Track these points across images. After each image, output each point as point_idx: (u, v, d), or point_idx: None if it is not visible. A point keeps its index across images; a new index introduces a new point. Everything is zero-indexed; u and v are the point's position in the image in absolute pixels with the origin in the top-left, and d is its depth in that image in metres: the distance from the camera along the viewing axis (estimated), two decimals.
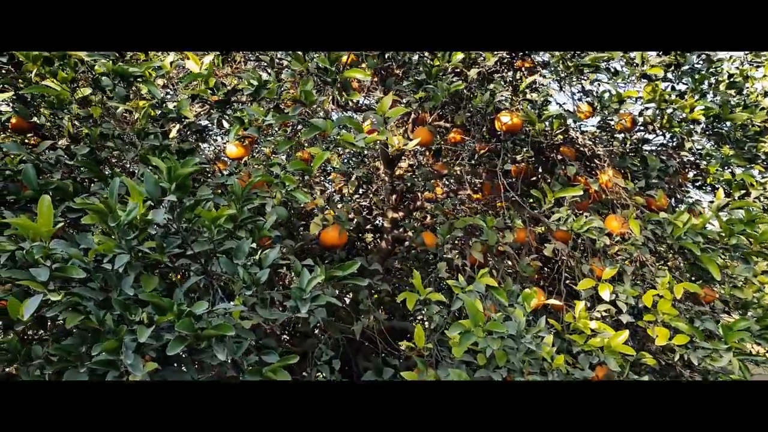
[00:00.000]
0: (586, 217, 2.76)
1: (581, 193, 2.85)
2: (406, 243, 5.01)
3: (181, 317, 1.56)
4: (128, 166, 2.82)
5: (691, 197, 3.68)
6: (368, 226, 5.03)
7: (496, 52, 2.74)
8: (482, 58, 2.90)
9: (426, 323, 5.35)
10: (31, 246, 1.61)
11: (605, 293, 2.79)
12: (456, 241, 3.38)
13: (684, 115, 2.85)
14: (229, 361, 1.72)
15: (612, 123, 3.43)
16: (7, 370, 1.86)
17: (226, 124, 3.27)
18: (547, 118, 2.94)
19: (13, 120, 2.85)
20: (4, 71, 2.82)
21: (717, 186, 3.47)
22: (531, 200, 3.60)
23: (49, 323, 2.47)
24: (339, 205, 3.79)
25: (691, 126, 2.98)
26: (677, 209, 3.45)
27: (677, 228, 2.74)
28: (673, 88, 3.21)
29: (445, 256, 3.27)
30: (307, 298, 1.79)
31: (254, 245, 1.96)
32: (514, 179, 3.98)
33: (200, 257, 2.09)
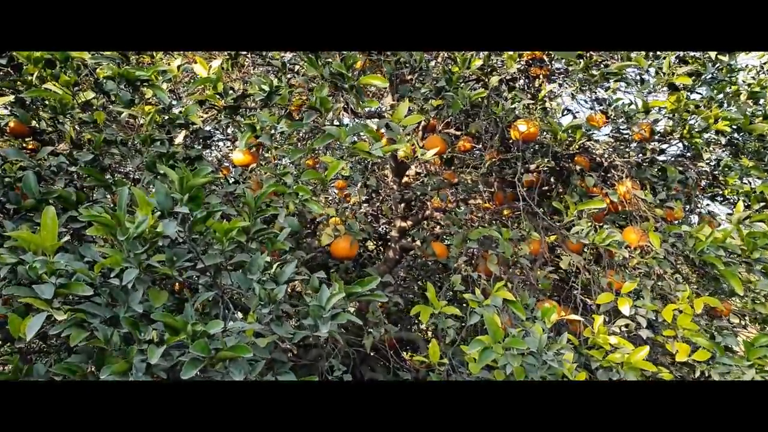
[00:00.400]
0: (607, 229, 2.67)
1: (604, 206, 2.77)
2: (413, 252, 4.93)
3: (195, 338, 1.46)
4: (133, 173, 2.72)
5: (703, 209, 3.60)
6: (374, 235, 4.94)
7: (518, 60, 2.66)
8: (501, 65, 2.82)
9: (429, 333, 5.25)
10: (34, 260, 1.51)
11: (625, 308, 2.71)
12: (469, 252, 3.29)
13: (706, 125, 2.77)
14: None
15: (627, 133, 3.36)
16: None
17: (232, 130, 3.18)
18: (569, 128, 2.85)
19: (12, 124, 2.75)
20: (2, 73, 2.73)
21: (734, 198, 3.40)
22: (542, 210, 3.52)
23: (51, 339, 2.37)
24: (347, 213, 3.69)
25: (715, 136, 2.90)
26: (691, 221, 3.37)
27: (700, 242, 2.66)
28: (688, 98, 3.14)
29: (457, 267, 3.18)
30: (327, 316, 1.70)
31: (268, 259, 1.86)
32: (526, 190, 3.90)
33: (210, 270, 1.99)
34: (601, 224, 2.90)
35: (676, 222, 3.19)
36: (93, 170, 2.32)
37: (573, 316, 2.57)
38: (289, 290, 3.85)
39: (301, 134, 3.70)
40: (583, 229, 2.71)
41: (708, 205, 3.58)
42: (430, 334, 5.14)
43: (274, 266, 1.84)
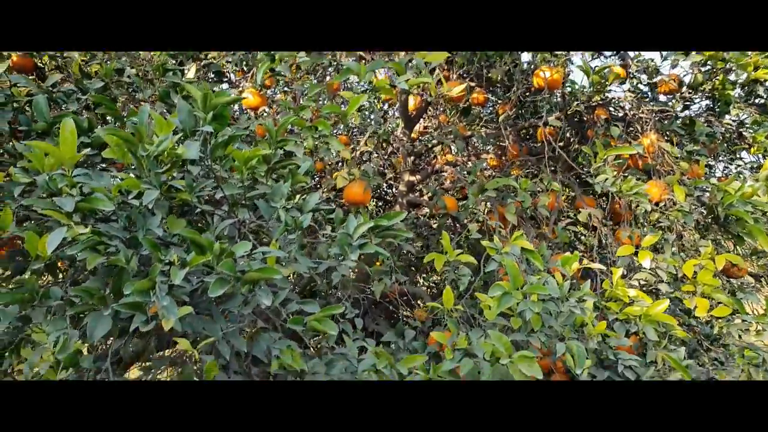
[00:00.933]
0: (633, 179, 2.60)
1: (634, 151, 2.69)
2: (421, 207, 4.86)
3: (221, 257, 1.40)
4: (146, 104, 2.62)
5: (730, 167, 3.52)
6: (382, 188, 4.87)
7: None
8: None
9: (434, 291, 5.22)
10: (52, 174, 1.43)
11: (646, 261, 2.66)
12: (485, 204, 3.22)
13: (745, 74, 2.67)
14: (270, 307, 1.56)
15: (652, 84, 3.26)
16: (24, 312, 1.70)
17: (245, 64, 3.06)
18: (601, 71, 2.75)
19: (14, 57, 2.64)
20: None
21: (757, 157, 3.32)
22: (559, 164, 3.44)
23: (60, 273, 2.31)
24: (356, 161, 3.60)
25: (742, 92, 2.80)
26: (713, 177, 3.30)
27: (728, 195, 2.59)
28: None
29: (471, 218, 3.12)
30: (355, 245, 1.63)
31: (291, 189, 1.79)
32: (540, 143, 3.81)
33: (227, 203, 1.92)
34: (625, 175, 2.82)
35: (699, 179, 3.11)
36: (104, 98, 2.22)
37: (594, 265, 2.51)
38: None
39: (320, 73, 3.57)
40: (608, 178, 2.64)
41: (733, 161, 3.50)
42: (436, 290, 5.12)
43: (298, 196, 1.77)
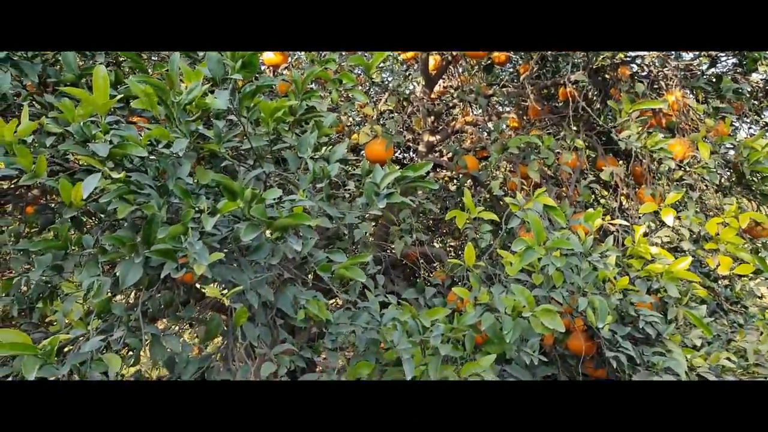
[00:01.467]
0: (658, 134, 2.57)
1: (661, 105, 2.65)
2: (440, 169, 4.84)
3: (252, 203, 1.42)
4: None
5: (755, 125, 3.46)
6: (401, 149, 4.85)
7: None
8: None
9: (452, 253, 5.25)
10: (86, 121, 1.45)
11: (669, 218, 2.64)
12: (506, 165, 3.21)
13: None
14: (299, 255, 1.59)
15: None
16: (58, 262, 1.74)
17: None
18: None
19: None
20: None
21: None
22: (581, 123, 3.41)
23: (85, 227, 2.35)
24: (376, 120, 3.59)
25: None
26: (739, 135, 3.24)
27: (755, 152, 2.56)
28: None
29: (491, 177, 3.12)
30: (382, 194, 1.65)
31: (317, 141, 1.80)
32: (562, 103, 3.76)
33: (255, 154, 1.93)
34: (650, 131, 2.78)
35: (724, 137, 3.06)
36: (130, 53, 2.22)
37: (617, 221, 2.51)
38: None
39: None
40: (632, 134, 2.61)
41: (759, 120, 3.44)
42: (453, 253, 5.14)
43: (325, 148, 1.78)
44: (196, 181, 1.72)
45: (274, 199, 1.49)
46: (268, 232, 1.56)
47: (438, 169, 4.94)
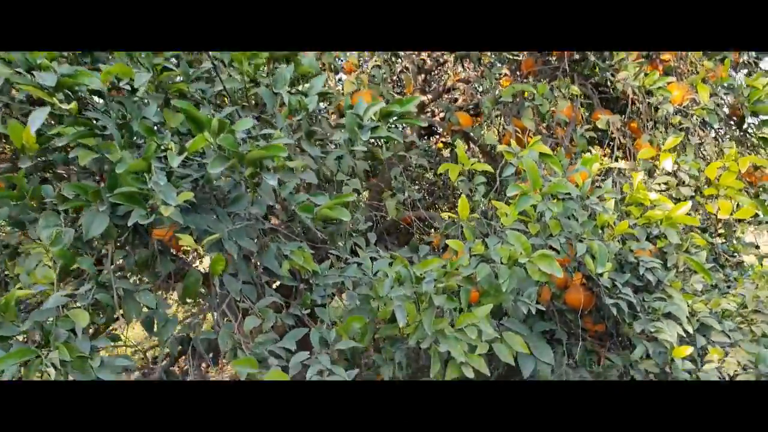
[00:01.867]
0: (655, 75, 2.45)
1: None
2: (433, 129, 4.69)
3: (222, 133, 1.29)
4: None
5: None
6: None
7: None
8: None
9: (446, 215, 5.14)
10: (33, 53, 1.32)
11: (667, 162, 2.53)
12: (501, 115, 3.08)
13: None
14: (276, 201, 1.47)
15: None
16: (19, 217, 1.61)
17: None
18: None
19: None
20: None
21: None
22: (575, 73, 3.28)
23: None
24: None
25: None
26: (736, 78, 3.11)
27: (756, 91, 2.44)
28: None
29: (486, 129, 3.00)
30: (366, 126, 1.52)
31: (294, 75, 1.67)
32: (556, 58, 3.62)
33: (229, 97, 1.80)
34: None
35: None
36: None
37: (617, 163, 2.40)
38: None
39: None
40: (630, 75, 2.49)
41: (759, 62, 3.31)
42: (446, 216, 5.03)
43: (302, 82, 1.65)
44: (163, 123, 1.60)
45: (248, 133, 1.37)
46: (242, 173, 1.44)
47: (430, 137, 4.79)
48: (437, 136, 4.73)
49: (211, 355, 2.35)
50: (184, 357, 2.96)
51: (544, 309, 2.24)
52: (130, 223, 1.46)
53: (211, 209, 1.72)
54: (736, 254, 3.38)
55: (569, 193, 2.18)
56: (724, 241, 3.43)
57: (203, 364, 2.61)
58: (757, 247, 3.40)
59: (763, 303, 2.94)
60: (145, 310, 1.75)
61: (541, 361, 2.41)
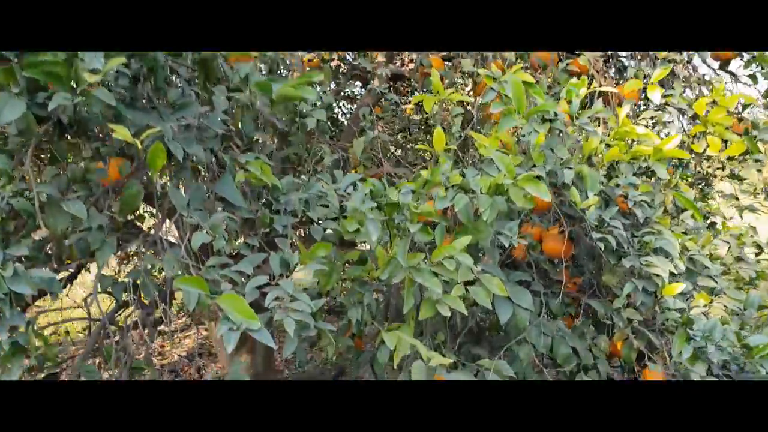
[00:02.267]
0: None
1: None
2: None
3: None
4: None
5: None
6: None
7: None
8: None
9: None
10: None
11: (655, 94, 2.38)
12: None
13: None
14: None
15: None
16: None
17: None
18: None
19: None
20: None
21: None
22: None
23: None
24: None
25: None
26: None
27: None
28: None
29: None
30: None
31: None
32: None
33: None
34: None
35: None
36: None
37: (607, 88, 2.23)
38: None
39: None
40: None
41: None
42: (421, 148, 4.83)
43: None
44: None
45: None
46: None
47: (402, 97, 4.56)
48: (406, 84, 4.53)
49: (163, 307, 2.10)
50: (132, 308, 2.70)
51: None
52: (51, 107, 1.22)
53: (153, 107, 1.48)
54: (709, 215, 3.29)
55: (556, 114, 2.00)
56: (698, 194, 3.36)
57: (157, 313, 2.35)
58: (737, 198, 3.33)
59: (745, 253, 2.86)
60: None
61: (520, 307, 2.24)
